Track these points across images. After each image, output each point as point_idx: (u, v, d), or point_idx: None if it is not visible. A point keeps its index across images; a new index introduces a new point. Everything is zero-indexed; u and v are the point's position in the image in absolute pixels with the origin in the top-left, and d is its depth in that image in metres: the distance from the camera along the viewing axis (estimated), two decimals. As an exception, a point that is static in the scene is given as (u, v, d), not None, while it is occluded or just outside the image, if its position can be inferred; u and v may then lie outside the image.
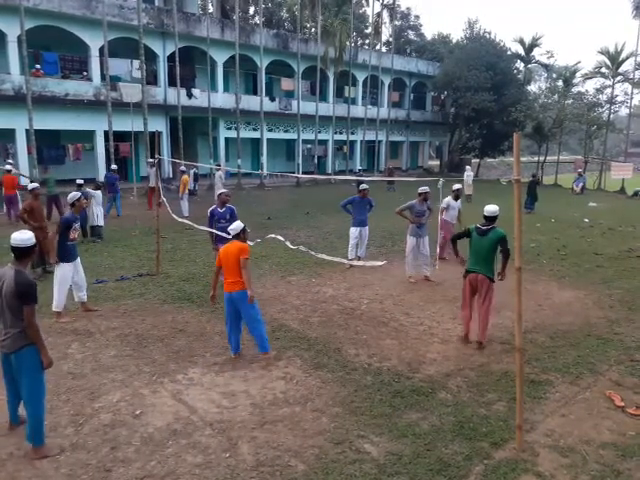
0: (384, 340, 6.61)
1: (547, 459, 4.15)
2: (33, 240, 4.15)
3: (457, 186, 10.64)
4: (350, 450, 4.23)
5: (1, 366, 4.31)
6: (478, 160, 41.65)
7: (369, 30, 41.31)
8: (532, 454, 4.20)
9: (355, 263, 9.01)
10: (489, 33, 40.91)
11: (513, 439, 4.33)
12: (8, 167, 15.28)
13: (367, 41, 44.04)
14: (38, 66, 21.19)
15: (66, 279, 7.07)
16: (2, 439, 4.33)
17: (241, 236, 5.89)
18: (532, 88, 43.80)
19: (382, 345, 6.44)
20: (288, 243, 7.88)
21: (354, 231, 10.25)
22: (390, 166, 29.75)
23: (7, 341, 4.05)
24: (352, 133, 34.52)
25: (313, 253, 7.45)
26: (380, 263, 6.96)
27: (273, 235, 8.09)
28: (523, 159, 39.91)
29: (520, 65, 41.02)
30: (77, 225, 7.32)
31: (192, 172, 20.84)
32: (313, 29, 36.14)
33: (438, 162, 46.66)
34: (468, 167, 24.04)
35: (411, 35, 51.58)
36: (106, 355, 6.05)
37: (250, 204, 19.76)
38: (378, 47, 37.23)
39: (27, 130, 19.87)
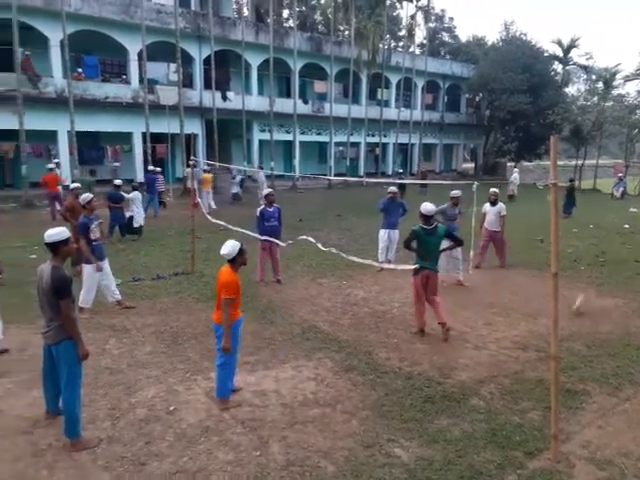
0: (415, 344, 6.57)
1: (583, 471, 4.05)
2: (63, 235, 4.27)
3: (493, 190, 10.43)
4: (380, 454, 4.22)
5: (43, 356, 4.48)
6: (514, 163, 40.89)
7: (403, 32, 41.08)
8: (567, 465, 4.10)
9: (386, 266, 8.94)
10: (525, 34, 40.22)
11: (548, 449, 4.24)
12: (51, 166, 15.93)
13: (401, 43, 43.79)
14: (80, 70, 21.88)
15: (92, 279, 7.31)
16: (41, 430, 4.49)
17: (237, 260, 4.88)
18: (570, 90, 42.69)
19: (413, 349, 6.40)
20: (319, 245, 7.90)
21: (383, 234, 10.21)
22: (423, 169, 29.53)
23: (49, 333, 4.23)
24: (385, 135, 34.38)
25: (344, 255, 7.44)
26: (412, 266, 6.89)
27: (304, 237, 8.12)
28: (560, 163, 38.92)
29: (558, 67, 40.12)
30: (94, 226, 7.38)
31: (239, 178, 21.13)
32: (346, 32, 36.21)
33: (473, 165, 46.02)
34: (515, 169, 25.22)
35: (445, 37, 51.15)
36: (142, 351, 6.20)
37: (282, 206, 19.88)
38: (412, 49, 37.01)
39: (69, 132, 20.58)
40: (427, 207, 6.64)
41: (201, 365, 5.84)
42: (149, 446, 4.30)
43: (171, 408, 4.89)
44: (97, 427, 4.55)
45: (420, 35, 44.32)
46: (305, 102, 30.11)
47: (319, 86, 31.00)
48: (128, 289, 8.50)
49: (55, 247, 4.23)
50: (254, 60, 27.54)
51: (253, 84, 28.05)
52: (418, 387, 5.36)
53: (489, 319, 7.51)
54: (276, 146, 28.37)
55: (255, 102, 27.58)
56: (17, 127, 19.10)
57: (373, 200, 11.21)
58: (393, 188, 10.23)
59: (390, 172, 35.01)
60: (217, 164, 17.44)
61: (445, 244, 7.13)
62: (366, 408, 4.94)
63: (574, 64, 41.04)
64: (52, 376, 4.45)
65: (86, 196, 7.61)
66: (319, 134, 31.72)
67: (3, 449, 4.20)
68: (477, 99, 42.52)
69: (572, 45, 38.84)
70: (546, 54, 38.95)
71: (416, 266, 6.73)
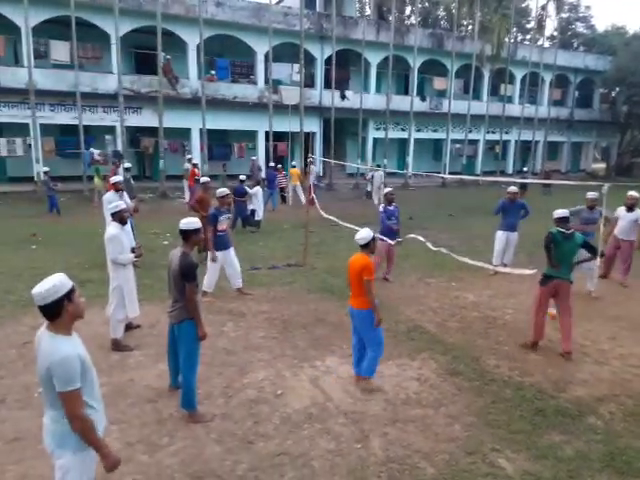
0: (528, 354, 6.23)
1: None
2: (195, 225, 4.68)
3: (632, 193, 9.15)
4: (483, 462, 4.11)
5: (167, 334, 4.95)
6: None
7: (531, 24, 38.64)
8: (699, 502, 3.69)
9: (501, 269, 8.54)
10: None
11: (676, 481, 3.84)
12: (195, 162, 17.37)
13: (528, 36, 41.20)
14: (213, 72, 23.55)
15: (215, 265, 7.89)
16: (165, 401, 4.95)
17: (370, 246, 5.17)
18: None
19: (525, 359, 6.08)
20: (429, 244, 7.79)
21: (500, 235, 9.73)
22: (547, 168, 27.64)
23: (174, 313, 4.65)
24: (506, 132, 32.69)
25: (455, 256, 7.26)
26: (530, 271, 6.51)
27: (413, 235, 8.05)
28: None
29: None
30: (223, 218, 7.93)
31: (370, 175, 21.39)
32: (470, 26, 34.92)
33: (604, 165, 42.08)
34: None
35: (579, 27, 47.10)
36: (255, 336, 6.58)
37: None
38: (540, 42, 34.70)
39: (200, 129, 22.31)
40: (560, 210, 6.22)
41: (308, 353, 6.07)
42: (257, 426, 4.56)
43: (278, 392, 5.15)
44: (212, 403, 4.93)
45: (551, 26, 41.39)
46: (423, 99, 29.60)
47: (438, 82, 30.29)
48: (246, 277, 9.02)
49: (187, 234, 4.64)
50: (374, 58, 27.64)
51: (371, 82, 28.18)
52: (529, 399, 5.10)
53: (614, 333, 6.90)
54: (390, 143, 28.27)
55: (372, 100, 27.67)
56: (157, 125, 21.13)
57: (489, 200, 10.75)
58: (513, 188, 9.70)
59: (510, 171, 33.25)
60: (332, 161, 17.84)
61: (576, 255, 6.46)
62: (471, 414, 4.82)
63: None
64: (175, 353, 4.89)
65: (222, 191, 8.22)
66: (435, 131, 31.01)
67: (133, 415, 4.71)
68: (613, 94, 38.70)
69: None
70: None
71: (533, 271, 6.37)
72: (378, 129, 28.65)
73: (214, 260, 7.87)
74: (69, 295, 2.72)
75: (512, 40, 33.54)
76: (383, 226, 9.00)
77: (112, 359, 5.84)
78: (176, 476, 3.89)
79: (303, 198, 18.56)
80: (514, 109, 32.65)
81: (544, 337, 6.41)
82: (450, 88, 29.46)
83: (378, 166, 20.89)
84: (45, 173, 16.00)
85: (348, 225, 9.37)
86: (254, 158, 20.93)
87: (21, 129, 19.92)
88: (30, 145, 19.66)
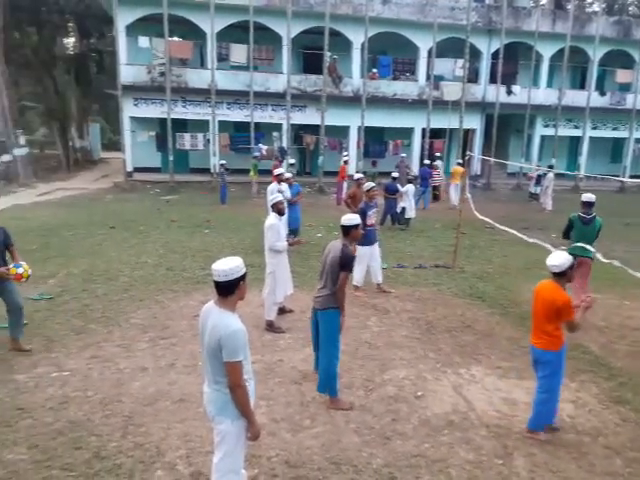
0: None
1: None
2: (356, 221, 5.01)
3: None
4: (649, 507, 3.63)
5: (311, 319, 5.17)
6: None
7: None
8: None
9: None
10: None
11: None
12: (345, 158, 18.02)
13: None
14: (375, 69, 23.86)
15: (362, 259, 7.97)
16: (310, 384, 5.18)
17: (568, 274, 4.27)
18: None
19: None
20: (599, 255, 7.08)
21: None
22: None
23: (320, 299, 4.89)
24: None
25: (630, 271, 6.46)
26: None
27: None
28: None
29: None
30: (371, 212, 8.02)
31: (537, 174, 20.23)
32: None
33: None
34: None
35: None
36: (398, 333, 6.59)
37: (559, 207, 18.15)
38: None
39: (359, 127, 22.80)
40: (589, 194, 7.43)
41: (452, 359, 5.90)
42: (395, 424, 4.57)
43: (419, 393, 5.10)
44: (352, 393, 5.06)
45: None
46: (602, 94, 26.55)
47: (622, 75, 26.85)
48: (392, 274, 9.06)
49: (347, 230, 4.98)
50: (546, 51, 25.51)
51: (542, 76, 26.05)
52: None
53: None
54: (560, 142, 25.94)
55: (542, 95, 25.61)
56: (319, 122, 22.13)
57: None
58: None
59: None
60: (492, 160, 16.94)
61: None
62: (635, 449, 4.27)
63: None
64: (317, 338, 5.11)
65: (368, 184, 8.40)
66: (615, 129, 27.62)
67: (280, 394, 5.03)
68: None
69: None
70: None
71: None
72: (547, 126, 26.45)
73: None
74: (244, 277, 3.07)
75: None
76: None
77: (265, 339, 6.31)
78: (315, 458, 4.07)
79: (456, 199, 17.78)
80: None
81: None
82: (637, 81, 26.03)
83: (550, 167, 19.17)
84: (222, 165, 17.68)
85: (505, 229, 8.86)
86: (403, 156, 20.77)
87: (201, 125, 22.33)
88: (209, 140, 21.98)
